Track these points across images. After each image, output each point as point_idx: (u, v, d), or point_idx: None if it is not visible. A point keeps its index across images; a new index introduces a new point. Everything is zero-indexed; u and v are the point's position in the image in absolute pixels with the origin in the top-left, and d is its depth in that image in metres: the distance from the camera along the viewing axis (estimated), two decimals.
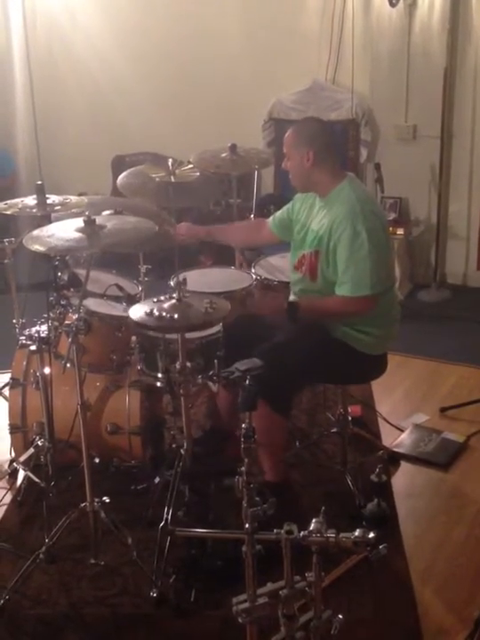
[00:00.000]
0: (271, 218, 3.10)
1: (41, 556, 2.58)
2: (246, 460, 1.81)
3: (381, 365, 2.89)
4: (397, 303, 2.92)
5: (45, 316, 2.82)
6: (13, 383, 3.00)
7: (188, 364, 2.54)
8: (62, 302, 2.78)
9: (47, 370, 2.80)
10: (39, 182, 2.80)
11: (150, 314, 2.39)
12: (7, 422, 3.01)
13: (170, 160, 3.03)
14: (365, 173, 5.09)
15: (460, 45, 4.68)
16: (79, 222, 2.44)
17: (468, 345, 4.25)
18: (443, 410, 3.55)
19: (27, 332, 3.02)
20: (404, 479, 3.12)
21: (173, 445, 2.74)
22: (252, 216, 3.81)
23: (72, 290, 2.76)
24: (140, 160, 4.74)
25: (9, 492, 3.01)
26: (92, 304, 2.82)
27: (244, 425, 1.84)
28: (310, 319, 2.74)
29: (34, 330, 2.92)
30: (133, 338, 2.81)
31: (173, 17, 5.21)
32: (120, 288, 2.89)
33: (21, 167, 5.65)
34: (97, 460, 2.86)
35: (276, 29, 5.02)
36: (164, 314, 2.37)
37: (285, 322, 2.74)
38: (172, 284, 2.89)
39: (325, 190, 2.73)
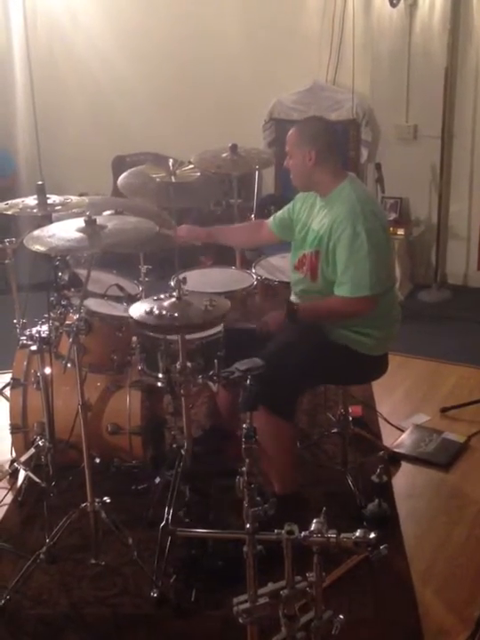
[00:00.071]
0: (271, 218, 3.10)
1: (41, 556, 2.58)
2: (247, 460, 1.81)
3: (382, 366, 2.89)
4: (398, 304, 2.92)
5: (46, 316, 2.83)
6: (14, 383, 3.00)
7: (189, 364, 2.54)
8: (63, 302, 2.78)
9: (48, 370, 2.80)
10: (40, 182, 2.80)
11: (150, 312, 2.39)
12: (8, 422, 3.01)
13: (170, 160, 3.03)
14: (366, 173, 5.09)
15: (461, 45, 4.68)
16: (80, 222, 2.44)
17: (469, 345, 4.25)
18: (443, 410, 3.55)
19: (27, 333, 3.02)
20: (404, 479, 3.12)
21: (174, 445, 2.74)
22: (253, 216, 3.81)
23: (73, 290, 2.76)
24: (141, 160, 4.74)
25: (10, 492, 3.02)
26: (92, 304, 2.82)
27: (245, 425, 1.84)
28: (310, 320, 2.74)
29: (34, 330, 2.92)
30: (134, 338, 2.81)
31: (174, 17, 5.21)
32: (121, 288, 2.89)
33: (22, 167, 5.65)
34: (97, 461, 2.86)
35: (276, 30, 5.02)
36: (163, 312, 2.38)
37: (286, 326, 2.73)
38: (172, 283, 2.89)
39: (326, 190, 2.73)
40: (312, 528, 1.74)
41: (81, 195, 3.68)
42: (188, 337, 2.51)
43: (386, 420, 3.47)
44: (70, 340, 2.51)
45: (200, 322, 2.43)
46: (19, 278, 3.33)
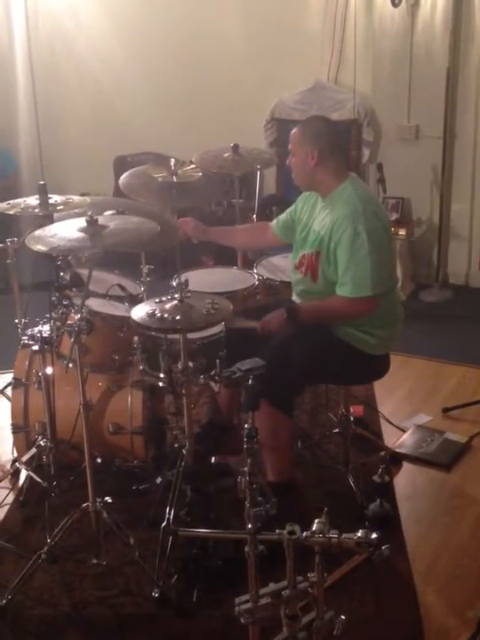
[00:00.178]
0: (275, 221, 3.10)
1: (43, 555, 2.58)
2: (249, 461, 1.81)
3: (384, 366, 2.88)
4: (400, 304, 2.92)
5: (48, 315, 2.83)
6: (16, 383, 3.00)
7: (191, 364, 2.54)
8: (64, 302, 2.78)
9: (49, 370, 2.80)
10: (42, 182, 2.80)
11: (152, 315, 2.39)
12: (9, 422, 3.01)
13: (172, 160, 3.03)
14: (367, 173, 5.09)
15: (463, 45, 4.68)
16: (81, 222, 2.45)
17: (471, 345, 4.24)
18: (445, 410, 3.55)
19: (29, 332, 3.03)
20: (406, 480, 3.12)
21: (175, 445, 2.74)
22: (255, 216, 3.81)
23: (74, 290, 2.76)
24: (143, 160, 4.74)
25: (11, 492, 3.01)
26: (94, 304, 2.82)
27: (246, 425, 1.84)
28: (311, 321, 2.73)
29: (36, 330, 2.93)
30: (135, 338, 2.81)
31: (175, 17, 5.21)
32: (122, 288, 2.89)
33: (23, 167, 5.66)
34: (99, 460, 2.86)
35: (278, 29, 5.02)
36: (165, 315, 2.37)
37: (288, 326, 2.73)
38: (174, 284, 2.89)
39: (328, 190, 2.73)
40: (314, 528, 1.73)
41: (82, 194, 3.68)
42: (189, 336, 2.51)
43: (387, 420, 3.47)
44: (72, 339, 2.51)
45: (202, 324, 2.43)
46: (20, 278, 3.33)
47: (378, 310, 2.70)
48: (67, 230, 2.45)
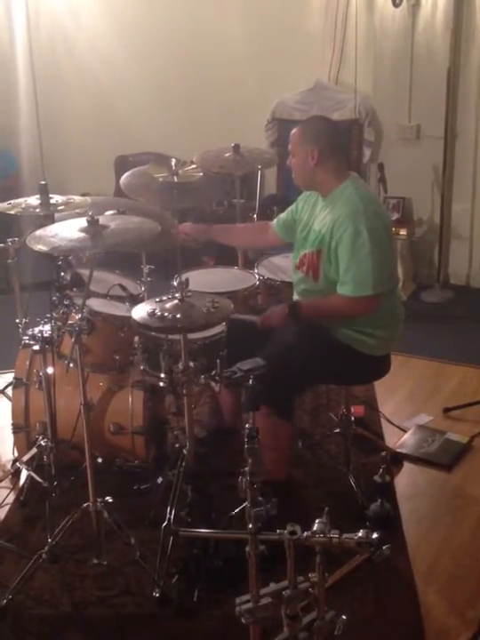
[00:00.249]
0: (275, 220, 3.10)
1: (43, 555, 2.58)
2: (250, 461, 1.80)
3: (385, 366, 2.88)
4: (401, 304, 2.91)
5: (48, 315, 2.82)
6: (16, 383, 3.00)
7: (191, 364, 2.54)
8: (65, 302, 2.78)
9: (50, 370, 2.80)
10: (43, 182, 2.80)
11: (153, 314, 2.39)
12: (10, 422, 3.01)
13: (173, 160, 3.03)
14: (368, 173, 5.08)
15: (464, 45, 4.68)
16: (82, 222, 2.44)
17: (472, 345, 4.24)
18: (446, 410, 3.55)
19: (30, 332, 3.02)
20: (407, 480, 3.11)
21: (176, 445, 2.74)
22: (255, 216, 3.81)
23: (75, 290, 2.76)
24: (143, 160, 4.73)
25: (12, 492, 3.01)
26: (95, 304, 2.82)
27: (247, 425, 1.84)
28: (312, 318, 2.74)
29: (37, 329, 2.93)
30: (136, 338, 2.81)
31: (176, 17, 5.21)
32: (123, 288, 2.89)
33: (24, 167, 5.66)
34: (100, 460, 2.86)
35: (279, 29, 5.02)
36: (166, 314, 2.37)
37: (289, 325, 2.73)
38: (175, 284, 2.89)
39: (328, 189, 2.73)
40: (314, 528, 1.73)
41: (83, 194, 3.69)
42: (190, 336, 2.51)
43: (388, 420, 3.47)
44: (72, 339, 2.51)
45: (203, 323, 2.43)
46: (21, 278, 3.33)
47: (379, 310, 2.70)
48: (68, 230, 2.45)
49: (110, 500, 2.61)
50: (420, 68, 4.77)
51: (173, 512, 2.53)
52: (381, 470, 2.85)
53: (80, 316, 2.51)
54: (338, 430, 3.14)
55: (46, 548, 2.58)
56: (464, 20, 4.63)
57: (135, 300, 2.88)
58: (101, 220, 2.47)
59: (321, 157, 2.69)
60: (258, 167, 3.65)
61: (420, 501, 2.99)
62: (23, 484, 3.00)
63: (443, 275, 5.05)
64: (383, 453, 3.18)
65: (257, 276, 3.16)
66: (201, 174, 3.07)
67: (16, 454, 3.06)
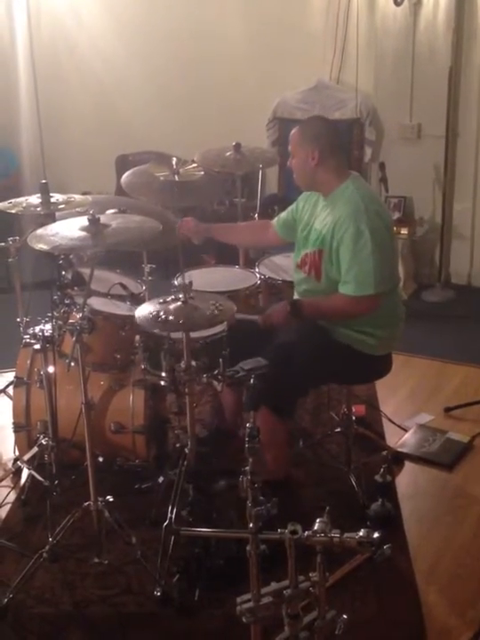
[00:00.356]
0: (276, 219, 3.10)
1: (44, 554, 2.57)
2: (251, 460, 1.80)
3: (386, 366, 2.88)
4: (402, 303, 2.91)
5: (49, 314, 2.82)
6: (17, 382, 3.00)
7: (193, 363, 2.54)
8: (66, 301, 2.77)
9: (51, 369, 2.80)
10: (43, 181, 2.80)
11: (156, 316, 2.38)
12: (11, 421, 3.01)
13: (174, 159, 3.02)
14: (369, 173, 5.08)
15: (465, 44, 4.68)
16: (83, 221, 2.44)
17: (473, 345, 4.24)
18: (447, 410, 3.54)
19: (31, 331, 3.03)
20: (408, 479, 3.11)
21: (177, 444, 2.74)
22: (256, 215, 3.81)
23: (76, 288, 2.76)
24: (144, 159, 4.72)
25: (13, 491, 3.01)
26: (96, 303, 2.82)
27: (248, 424, 1.84)
28: (313, 317, 2.73)
29: (38, 328, 2.93)
30: (137, 337, 2.81)
31: (177, 16, 5.21)
32: (124, 287, 2.89)
33: (25, 166, 5.67)
34: (101, 459, 2.86)
35: (280, 29, 5.02)
36: (170, 317, 2.37)
37: (290, 324, 2.73)
38: (176, 283, 2.89)
39: (329, 189, 2.73)
40: (315, 527, 1.73)
41: (84, 193, 3.68)
42: (192, 335, 2.51)
43: (389, 419, 3.47)
44: (73, 338, 2.50)
45: (206, 325, 2.43)
46: (22, 277, 3.33)
47: (379, 310, 2.70)
48: (68, 229, 2.45)
49: (111, 499, 2.61)
50: (422, 67, 4.77)
51: (174, 511, 2.53)
52: (382, 470, 2.85)
53: (81, 314, 2.51)
54: (339, 429, 3.15)
55: (47, 547, 2.58)
56: (465, 18, 4.63)
57: (136, 298, 2.89)
58: (102, 218, 2.47)
59: (321, 157, 2.68)
60: (259, 166, 3.65)
61: (421, 501, 2.99)
62: (24, 483, 3.00)
63: (444, 274, 5.04)
64: (384, 453, 3.18)
65: (258, 276, 3.16)
66: (202, 173, 3.07)
67: (17, 453, 3.07)
